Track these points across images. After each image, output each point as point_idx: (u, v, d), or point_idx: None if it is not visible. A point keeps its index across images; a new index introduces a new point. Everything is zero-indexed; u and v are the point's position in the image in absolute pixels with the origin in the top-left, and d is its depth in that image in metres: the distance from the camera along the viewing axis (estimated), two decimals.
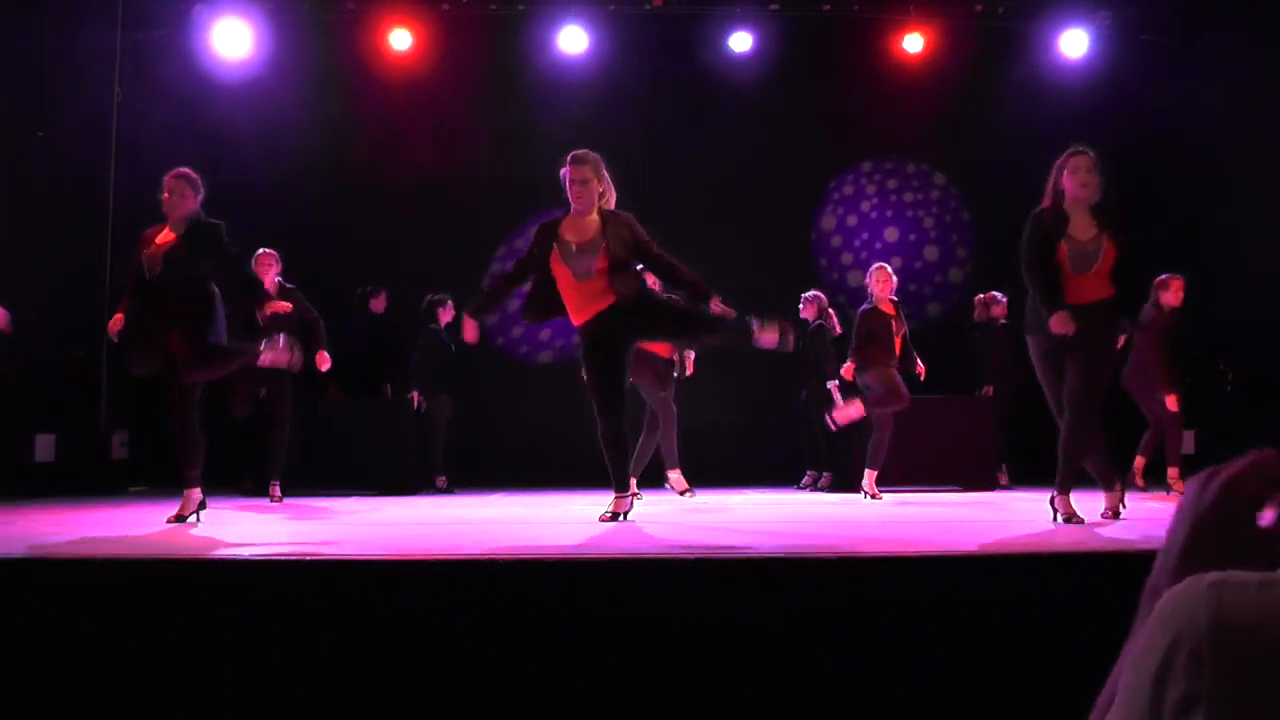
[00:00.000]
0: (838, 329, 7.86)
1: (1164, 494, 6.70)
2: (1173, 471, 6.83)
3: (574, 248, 4.70)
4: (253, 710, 2.71)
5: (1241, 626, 0.64)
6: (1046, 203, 4.61)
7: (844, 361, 7.11)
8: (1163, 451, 6.89)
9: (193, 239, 4.87)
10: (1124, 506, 4.88)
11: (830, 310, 7.90)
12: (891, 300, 7.07)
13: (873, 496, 6.74)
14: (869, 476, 6.86)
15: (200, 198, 5.02)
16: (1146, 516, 5.01)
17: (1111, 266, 4.48)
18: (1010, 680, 2.73)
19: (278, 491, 6.73)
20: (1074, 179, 4.51)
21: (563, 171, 4.82)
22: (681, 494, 6.64)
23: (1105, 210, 4.56)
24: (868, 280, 7.13)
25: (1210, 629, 0.65)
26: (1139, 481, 6.91)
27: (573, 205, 4.78)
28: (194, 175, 5.03)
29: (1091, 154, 4.57)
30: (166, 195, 4.95)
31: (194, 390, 4.88)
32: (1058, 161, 4.62)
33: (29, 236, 6.96)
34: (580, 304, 4.73)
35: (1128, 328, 5.11)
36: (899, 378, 6.87)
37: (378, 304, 8.41)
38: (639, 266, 4.90)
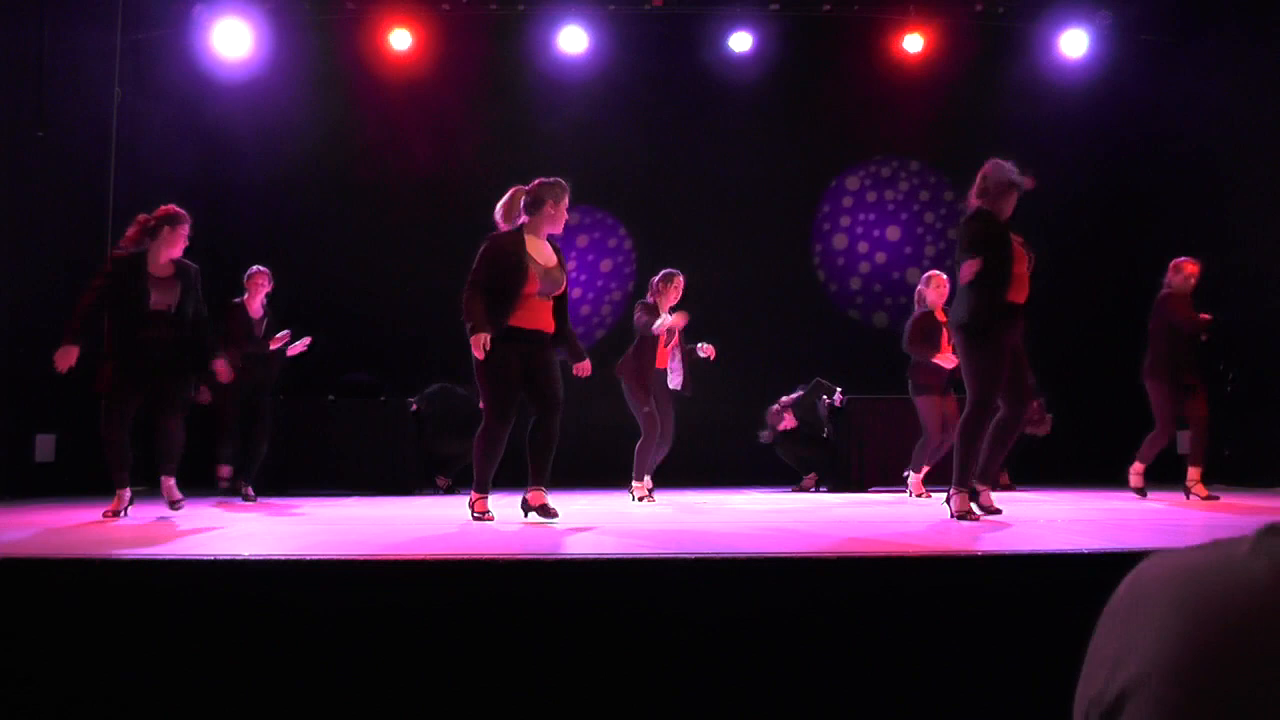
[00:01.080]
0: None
1: (1183, 498, 6.33)
2: (1137, 465, 6.49)
3: (543, 269, 4.85)
4: (252, 711, 2.71)
5: (1152, 581, 0.69)
6: (986, 205, 4.76)
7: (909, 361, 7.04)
8: (1164, 456, 6.60)
9: (183, 279, 5.31)
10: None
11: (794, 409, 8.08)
12: (945, 309, 7.02)
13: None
14: (920, 472, 6.94)
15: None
16: (1147, 517, 5.01)
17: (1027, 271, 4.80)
18: (1010, 680, 2.73)
19: (251, 491, 6.73)
20: (1014, 198, 4.76)
21: (558, 201, 4.92)
22: (639, 500, 6.43)
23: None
24: (922, 286, 7.03)
25: (1127, 591, 0.71)
26: (1200, 491, 6.31)
27: (552, 230, 4.95)
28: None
29: None
30: (185, 240, 5.31)
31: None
32: (1010, 172, 4.78)
33: (29, 236, 6.96)
34: (526, 317, 4.81)
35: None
36: (943, 415, 6.87)
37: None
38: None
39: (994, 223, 4.70)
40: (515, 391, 4.80)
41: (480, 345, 4.64)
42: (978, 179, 4.85)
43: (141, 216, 5.31)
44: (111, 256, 5.29)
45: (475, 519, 4.75)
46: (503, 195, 5.08)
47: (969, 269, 4.62)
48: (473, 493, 4.86)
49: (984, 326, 4.63)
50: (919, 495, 6.80)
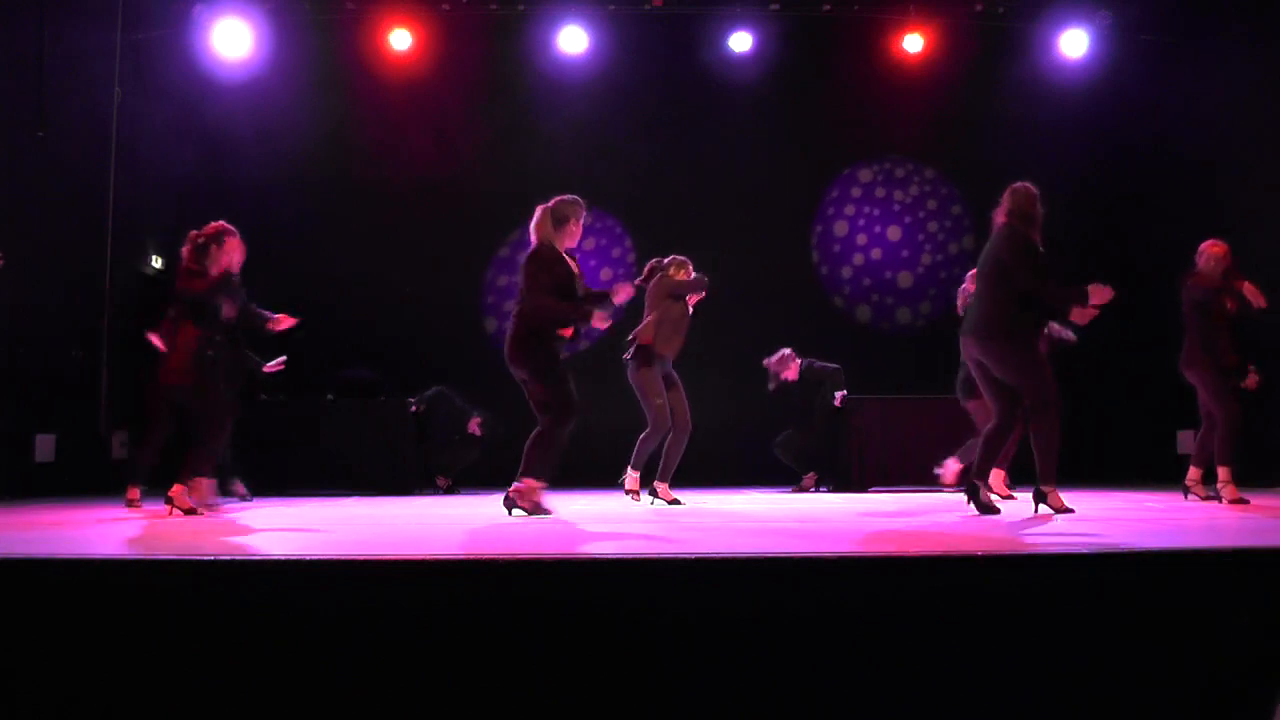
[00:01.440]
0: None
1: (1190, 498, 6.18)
2: (1221, 473, 6.09)
3: (579, 277, 5.23)
4: (252, 711, 2.71)
5: None
6: (1034, 232, 5.03)
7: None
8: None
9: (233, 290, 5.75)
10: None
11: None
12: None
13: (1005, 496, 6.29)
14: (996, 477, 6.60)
15: None
16: (1146, 518, 5.01)
17: None
18: (1010, 680, 2.73)
19: (244, 489, 6.72)
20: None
21: (579, 219, 5.21)
22: (627, 493, 6.31)
23: None
24: (968, 284, 6.66)
25: None
26: (1199, 492, 6.21)
27: (570, 244, 5.23)
28: None
29: None
30: (229, 255, 5.57)
31: None
32: (1035, 198, 5.05)
33: (29, 236, 6.96)
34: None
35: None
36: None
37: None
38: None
39: (1031, 239, 5.00)
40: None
41: (600, 317, 5.01)
42: (1005, 198, 5.06)
43: (192, 233, 5.56)
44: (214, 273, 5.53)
45: (533, 512, 4.88)
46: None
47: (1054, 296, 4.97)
48: (531, 481, 4.95)
49: (1028, 335, 4.98)
50: (949, 486, 6.68)
